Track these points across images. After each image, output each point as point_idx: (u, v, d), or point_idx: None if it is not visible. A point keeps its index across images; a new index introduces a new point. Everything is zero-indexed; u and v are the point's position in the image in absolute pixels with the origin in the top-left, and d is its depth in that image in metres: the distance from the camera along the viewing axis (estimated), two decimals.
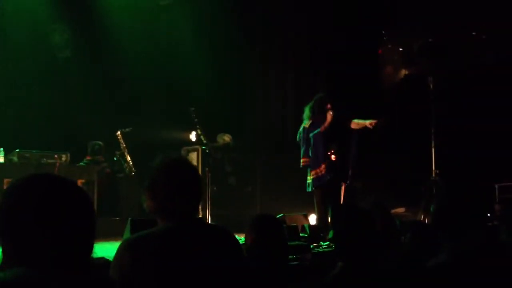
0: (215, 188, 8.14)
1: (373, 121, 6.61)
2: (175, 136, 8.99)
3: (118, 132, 8.82)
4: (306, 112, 6.68)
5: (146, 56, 9.88)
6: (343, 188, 6.58)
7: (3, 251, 1.32)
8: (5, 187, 7.54)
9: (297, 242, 5.33)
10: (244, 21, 10.09)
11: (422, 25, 9.54)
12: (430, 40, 9.74)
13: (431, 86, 7.48)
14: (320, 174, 6.47)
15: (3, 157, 7.73)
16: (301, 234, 5.87)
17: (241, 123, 10.19)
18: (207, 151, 7.49)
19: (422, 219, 6.29)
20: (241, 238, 2.88)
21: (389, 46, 10.40)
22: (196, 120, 7.35)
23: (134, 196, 8.30)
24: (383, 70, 10.54)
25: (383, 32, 10.24)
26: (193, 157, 8.68)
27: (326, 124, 6.42)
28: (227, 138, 9.59)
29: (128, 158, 8.79)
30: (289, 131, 9.97)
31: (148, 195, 2.08)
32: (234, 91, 10.26)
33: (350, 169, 6.63)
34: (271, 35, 10.43)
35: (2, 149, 7.76)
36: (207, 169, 7.30)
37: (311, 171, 6.56)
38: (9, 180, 7.61)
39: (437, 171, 7.29)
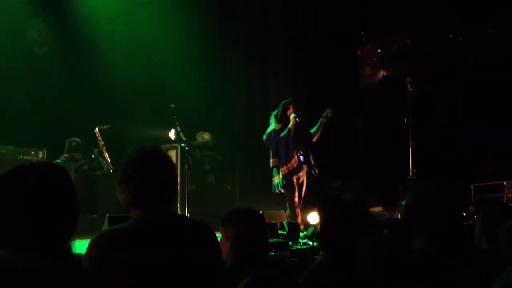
0: (194, 186, 8.13)
1: (324, 115, 7.08)
2: (154, 133, 8.93)
3: (96, 129, 8.75)
4: (273, 116, 7.08)
5: (126, 52, 9.80)
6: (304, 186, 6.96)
7: None
8: None
9: (275, 239, 5.36)
10: (225, 18, 10.10)
11: (400, 26, 9.65)
12: (408, 41, 9.86)
13: (409, 87, 7.58)
14: (291, 168, 6.82)
15: None
16: (279, 232, 5.91)
17: (220, 121, 10.19)
18: (186, 149, 7.47)
19: (398, 217, 6.37)
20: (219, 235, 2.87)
21: (368, 47, 10.50)
22: (175, 117, 7.33)
23: (112, 194, 8.18)
24: (362, 71, 10.63)
25: (362, 33, 10.33)
26: (172, 155, 8.67)
27: (291, 126, 6.83)
28: (206, 136, 9.59)
29: (106, 155, 8.73)
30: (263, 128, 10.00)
31: (122, 186, 2.05)
32: (214, 89, 10.25)
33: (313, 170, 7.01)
34: (252, 34, 10.44)
35: None
36: (186, 167, 7.28)
37: (281, 167, 6.87)
38: None
39: (414, 171, 7.40)
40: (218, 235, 2.66)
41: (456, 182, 7.76)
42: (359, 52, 10.56)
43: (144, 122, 9.33)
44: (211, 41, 9.94)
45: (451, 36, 9.55)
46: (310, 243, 5.70)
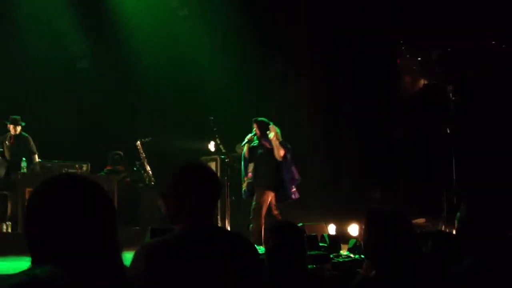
0: (233, 198, 8.16)
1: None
2: (194, 145, 9.03)
3: (138, 142, 8.89)
4: (253, 133, 7.11)
5: (166, 66, 9.97)
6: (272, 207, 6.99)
7: (31, 251, 1.35)
8: (27, 197, 7.66)
9: (316, 252, 5.32)
10: (262, 30, 10.15)
11: (440, 34, 9.50)
12: (449, 49, 9.70)
13: (451, 95, 7.45)
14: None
15: (25, 167, 7.85)
16: (320, 244, 5.86)
17: None
18: (226, 160, 7.51)
19: (443, 229, 6.23)
20: (259, 247, 2.89)
21: (407, 55, 10.38)
22: (215, 129, 7.40)
23: (154, 205, 8.36)
24: (402, 80, 10.51)
25: (401, 42, 10.22)
26: (212, 167, 8.72)
27: (246, 147, 7.08)
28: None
29: (148, 167, 8.86)
30: (305, 140, 9.97)
31: (166, 199, 2.09)
32: (252, 101, 10.30)
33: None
34: (288, 45, 10.46)
35: (24, 159, 7.89)
36: (226, 178, 7.32)
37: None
38: (31, 189, 7.72)
39: (457, 181, 7.23)
40: (259, 248, 2.67)
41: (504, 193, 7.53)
42: (398, 61, 10.45)
43: (184, 134, 9.44)
44: (248, 54, 10.01)
45: (493, 42, 9.35)
46: (352, 255, 5.64)
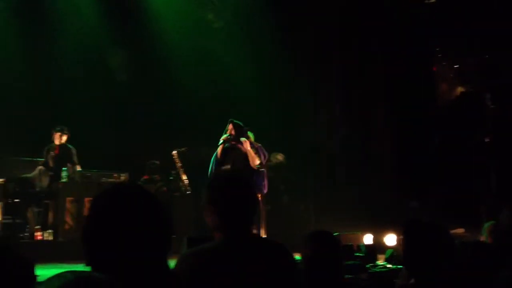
0: (269, 207, 8.18)
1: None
2: None
3: (174, 152, 9.01)
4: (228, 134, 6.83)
5: (201, 77, 10.11)
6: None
7: (87, 256, 1.40)
8: (67, 205, 7.86)
9: (352, 262, 5.29)
10: (295, 41, 10.19)
11: (477, 41, 9.37)
12: (486, 56, 9.54)
13: (489, 103, 7.33)
14: None
15: (66, 177, 8.04)
16: (356, 254, 5.83)
17: (293, 142, 10.23)
18: (261, 170, 7.53)
19: (482, 239, 6.11)
20: (296, 256, 2.90)
21: (444, 63, 10.25)
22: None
23: (190, 214, 8.45)
24: (438, 87, 10.38)
25: (437, 49, 10.11)
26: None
27: (219, 149, 6.76)
28: (280, 157, 9.63)
29: (184, 177, 8.96)
30: (341, 150, 9.94)
31: (209, 209, 2.13)
32: (286, 110, 10.34)
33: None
34: (322, 55, 10.47)
35: (65, 169, 8.08)
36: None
37: None
38: (71, 198, 7.93)
39: (496, 190, 7.10)
40: (298, 257, 2.69)
41: None
42: (434, 69, 10.34)
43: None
44: (279, 64, 10.06)
45: None
46: (389, 265, 5.58)
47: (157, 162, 9.01)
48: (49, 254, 6.80)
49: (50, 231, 7.70)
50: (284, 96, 10.31)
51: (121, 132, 9.92)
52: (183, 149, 9.00)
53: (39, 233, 7.59)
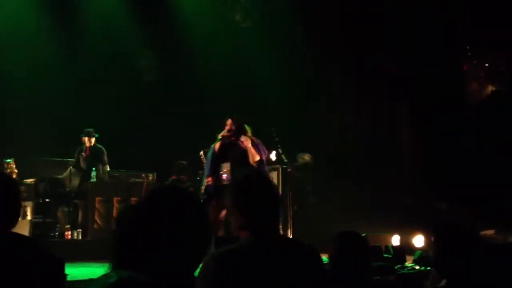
0: (295, 207, 8.17)
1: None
2: None
3: (201, 152, 9.05)
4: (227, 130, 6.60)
5: (228, 77, 10.15)
6: None
7: (114, 255, 1.41)
8: (96, 205, 7.98)
9: (380, 263, 5.24)
10: (323, 42, 10.15)
11: (508, 39, 9.20)
12: None
13: None
14: (206, 184, 6.49)
15: (95, 177, 8.17)
16: (384, 255, 5.77)
17: (320, 142, 10.19)
18: (288, 170, 7.53)
19: None
20: (323, 257, 2.89)
21: (474, 61, 10.10)
22: (277, 139, 7.43)
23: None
24: (469, 86, 10.23)
25: (468, 47, 9.95)
26: (274, 177, 8.76)
27: (216, 144, 6.49)
28: (307, 157, 9.60)
29: None
30: (369, 149, 9.86)
31: (234, 209, 2.15)
32: (313, 111, 10.31)
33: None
34: (349, 56, 10.40)
35: (94, 168, 8.22)
36: (288, 188, 7.34)
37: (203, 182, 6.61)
38: (100, 198, 8.05)
39: None
40: (325, 258, 2.68)
41: None
42: (465, 67, 10.18)
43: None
44: (307, 64, 10.04)
45: None
46: (417, 267, 5.52)
47: (185, 162, 9.07)
48: (79, 253, 6.91)
49: (79, 230, 7.83)
50: (310, 96, 10.28)
51: (149, 132, 10.02)
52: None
53: (69, 233, 7.72)
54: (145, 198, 1.48)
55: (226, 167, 6.31)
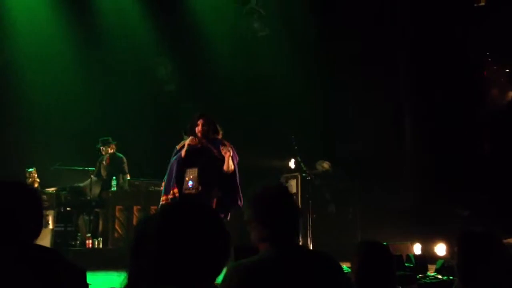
0: (315, 215, 8.13)
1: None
2: (274, 163, 9.10)
3: None
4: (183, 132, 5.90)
5: (247, 86, 10.18)
6: None
7: (132, 272, 1.42)
8: (116, 214, 8.03)
9: (402, 272, 5.19)
10: (341, 50, 10.12)
11: None
12: None
13: None
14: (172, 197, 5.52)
15: (115, 186, 8.24)
16: (406, 264, 5.71)
17: (339, 150, 10.15)
18: (307, 178, 7.51)
19: None
20: (343, 266, 2.87)
21: (495, 67, 9.99)
22: (296, 148, 7.41)
23: (236, 222, 8.47)
24: (489, 92, 10.11)
25: (488, 53, 9.85)
26: (293, 184, 8.75)
27: (184, 147, 5.59)
28: (326, 165, 9.57)
29: None
30: (389, 157, 9.78)
31: (255, 222, 2.14)
32: (332, 118, 10.27)
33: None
34: (368, 63, 10.35)
35: (114, 177, 8.28)
36: (307, 196, 7.31)
37: (162, 196, 5.67)
38: (121, 207, 8.10)
39: None
40: (345, 267, 2.66)
41: None
42: (485, 73, 10.07)
43: (265, 152, 9.54)
44: (327, 71, 10.01)
45: None
46: (440, 276, 5.44)
47: None
48: (99, 261, 6.96)
49: (100, 238, 7.88)
50: (329, 103, 10.25)
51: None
52: None
53: (90, 241, 7.78)
54: (161, 213, 1.49)
55: (192, 174, 5.51)
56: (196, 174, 5.48)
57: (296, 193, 8.63)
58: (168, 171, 5.73)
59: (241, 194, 5.64)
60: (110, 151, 8.56)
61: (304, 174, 7.74)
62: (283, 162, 8.82)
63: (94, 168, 8.65)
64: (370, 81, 9.90)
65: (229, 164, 5.52)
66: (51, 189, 8.34)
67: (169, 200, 5.42)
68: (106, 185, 8.36)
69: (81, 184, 8.53)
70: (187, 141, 5.59)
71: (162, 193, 5.65)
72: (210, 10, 10.17)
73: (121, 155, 8.63)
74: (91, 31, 9.96)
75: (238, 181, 5.68)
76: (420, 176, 9.85)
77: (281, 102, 10.01)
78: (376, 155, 10.13)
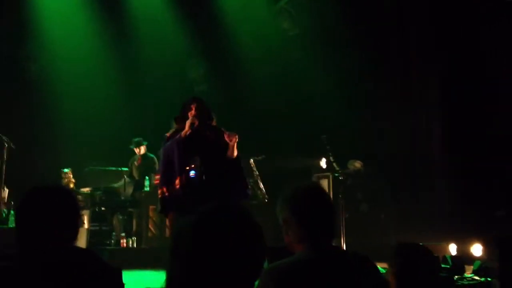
0: (347, 215, 8.06)
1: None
2: (305, 163, 9.07)
3: (251, 160, 9.10)
4: (173, 119, 5.38)
5: (277, 85, 10.17)
6: None
7: (172, 276, 1.42)
8: (150, 214, 8.12)
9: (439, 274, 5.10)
10: (373, 49, 10.02)
11: None
12: None
13: None
14: (173, 191, 5.06)
15: (148, 186, 8.33)
16: (442, 265, 5.62)
17: (371, 149, 10.05)
18: (340, 178, 7.45)
19: None
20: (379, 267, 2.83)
21: None
22: (328, 147, 7.37)
23: (267, 222, 8.46)
24: None
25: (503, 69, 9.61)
26: (324, 184, 8.70)
27: (183, 133, 5.07)
28: (358, 164, 9.48)
29: (261, 185, 9.02)
30: (424, 157, 9.65)
31: (291, 223, 2.12)
32: (363, 117, 10.18)
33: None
34: (400, 64, 10.22)
35: (147, 177, 8.37)
36: (340, 196, 7.25)
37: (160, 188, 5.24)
38: (154, 207, 8.19)
39: None
40: (381, 269, 2.62)
41: None
42: None
43: (296, 152, 9.52)
44: (358, 71, 9.93)
45: None
46: (477, 278, 5.33)
47: None
48: (133, 260, 7.05)
49: (134, 238, 7.98)
50: (362, 103, 10.16)
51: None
52: (260, 157, 9.07)
53: (124, 241, 7.88)
54: (196, 218, 1.48)
55: (193, 162, 5.05)
56: (198, 163, 5.01)
57: (328, 193, 8.58)
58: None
59: (247, 183, 5.37)
60: (142, 151, 8.68)
61: (336, 174, 7.68)
62: (314, 162, 8.77)
63: (127, 169, 8.78)
64: (403, 80, 9.79)
65: (234, 151, 5.08)
66: (86, 189, 8.48)
67: (173, 192, 5.03)
68: (139, 185, 8.47)
69: (115, 185, 8.66)
70: (188, 121, 5.05)
71: (160, 185, 5.18)
72: (240, 10, 10.21)
73: (152, 155, 8.73)
74: (123, 34, 10.10)
75: (243, 170, 5.34)
76: (453, 176, 9.69)
77: (313, 100, 9.97)
78: (410, 155, 10.00)
